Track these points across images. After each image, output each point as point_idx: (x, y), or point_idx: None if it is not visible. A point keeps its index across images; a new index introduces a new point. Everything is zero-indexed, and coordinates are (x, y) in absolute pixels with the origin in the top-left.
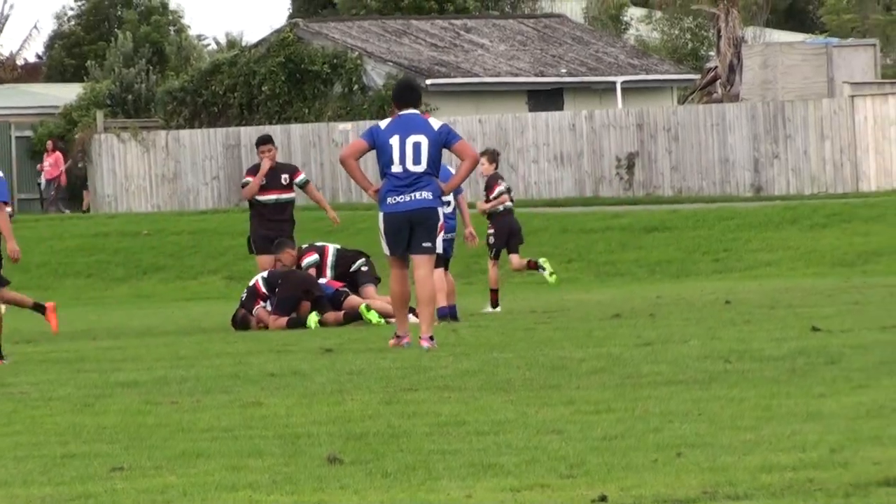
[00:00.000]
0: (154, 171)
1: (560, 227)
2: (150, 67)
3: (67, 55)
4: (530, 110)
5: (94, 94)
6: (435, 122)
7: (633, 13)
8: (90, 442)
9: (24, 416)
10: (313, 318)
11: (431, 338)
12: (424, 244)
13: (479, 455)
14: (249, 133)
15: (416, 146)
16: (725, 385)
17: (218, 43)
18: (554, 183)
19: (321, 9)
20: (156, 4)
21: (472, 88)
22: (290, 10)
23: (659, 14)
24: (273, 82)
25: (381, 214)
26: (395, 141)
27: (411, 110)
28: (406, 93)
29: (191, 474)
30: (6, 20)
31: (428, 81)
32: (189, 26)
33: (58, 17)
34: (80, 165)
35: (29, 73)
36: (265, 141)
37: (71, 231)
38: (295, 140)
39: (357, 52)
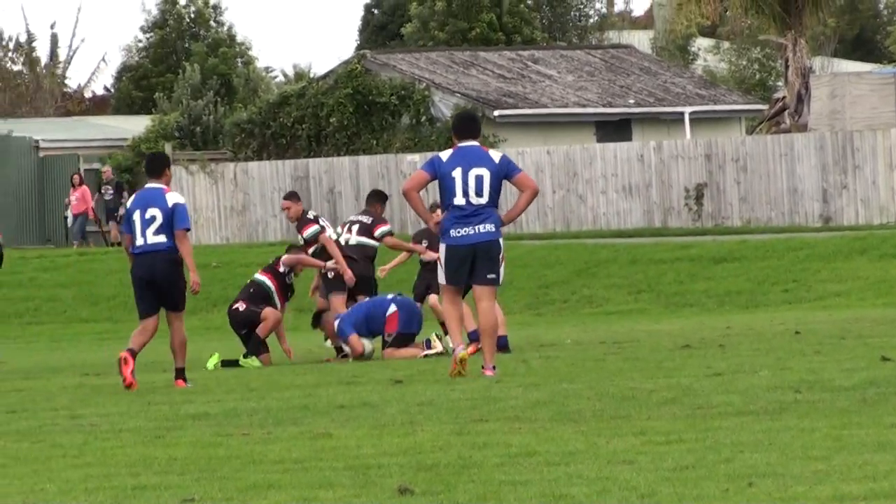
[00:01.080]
0: (223, 203)
1: (629, 258)
2: (218, 99)
3: (136, 87)
4: (598, 141)
5: (162, 127)
6: (495, 154)
7: (701, 44)
8: (161, 474)
9: (94, 447)
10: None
11: (494, 367)
12: (489, 276)
13: (549, 486)
14: (318, 165)
15: (479, 179)
16: (796, 415)
17: (286, 75)
18: (622, 214)
19: (389, 40)
20: (223, 37)
21: (539, 119)
22: (358, 42)
23: (727, 44)
24: (341, 114)
25: (443, 246)
26: (457, 174)
27: (471, 142)
28: (467, 124)
29: None
30: (75, 53)
31: (496, 113)
32: (257, 58)
33: (126, 50)
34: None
35: (97, 106)
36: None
37: None
38: (363, 171)
39: (425, 84)
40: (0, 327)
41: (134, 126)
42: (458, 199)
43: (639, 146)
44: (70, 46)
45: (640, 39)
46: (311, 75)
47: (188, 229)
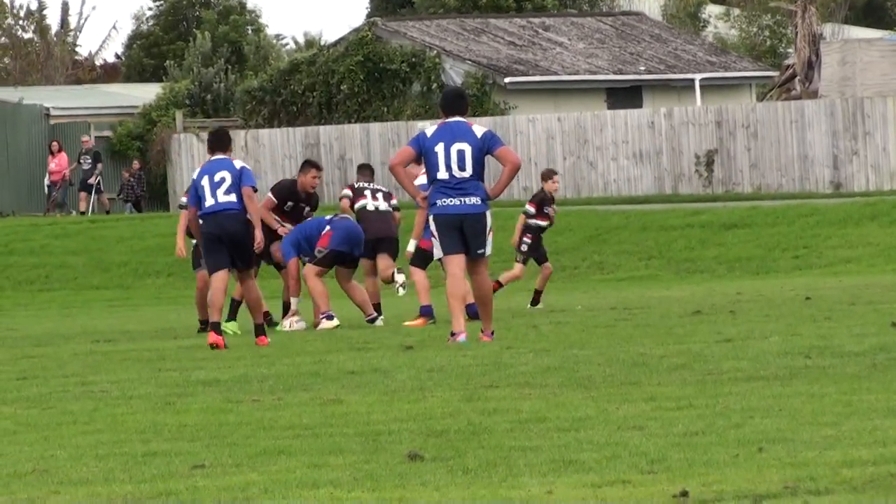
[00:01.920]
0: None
1: (640, 225)
2: (229, 67)
3: (146, 55)
4: (609, 108)
5: (172, 94)
6: (478, 129)
7: (712, 10)
8: (171, 440)
9: (105, 414)
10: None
11: (492, 333)
12: (478, 251)
13: (559, 451)
14: (329, 132)
15: (461, 153)
16: (806, 381)
17: (296, 42)
18: (633, 180)
19: (399, 7)
20: (234, 4)
21: (550, 86)
22: (369, 9)
23: (737, 11)
24: (352, 81)
25: (430, 217)
26: (440, 148)
27: (457, 118)
28: (454, 101)
29: (272, 472)
30: (85, 21)
31: (506, 80)
32: (267, 26)
33: (136, 18)
34: (85, 168)
35: (108, 74)
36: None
37: (151, 231)
38: (374, 139)
39: (435, 51)
40: (12, 294)
41: (144, 94)
42: (442, 173)
43: (649, 113)
44: (81, 14)
45: (651, 6)
46: (322, 43)
47: (255, 188)
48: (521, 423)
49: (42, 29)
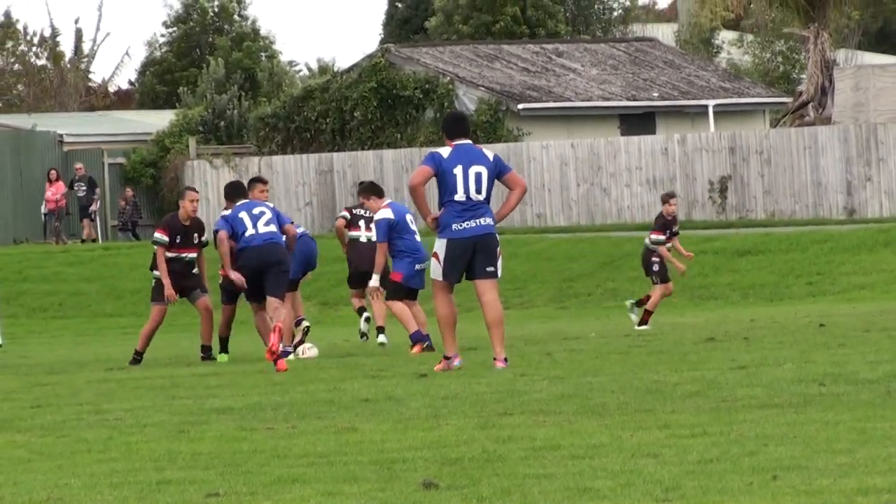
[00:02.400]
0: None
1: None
2: (242, 94)
3: (159, 82)
4: (622, 134)
5: (186, 121)
6: (489, 153)
7: (725, 37)
8: (186, 468)
9: (119, 442)
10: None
11: (505, 359)
12: (488, 269)
13: (574, 479)
14: (342, 159)
15: (478, 176)
16: (820, 408)
17: (310, 69)
18: (647, 207)
19: (413, 34)
20: (247, 31)
21: (564, 113)
22: (382, 36)
23: (750, 37)
24: (365, 108)
25: (443, 241)
26: (458, 171)
27: (466, 140)
28: (458, 125)
29: (286, 500)
30: (98, 47)
31: (520, 106)
32: (280, 52)
33: (150, 44)
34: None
35: (121, 100)
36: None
37: None
38: (388, 165)
39: (449, 77)
40: (25, 322)
41: (158, 120)
42: (460, 195)
43: (663, 139)
44: (94, 41)
45: (665, 32)
46: (335, 69)
47: (292, 222)
48: (536, 451)
49: (55, 56)
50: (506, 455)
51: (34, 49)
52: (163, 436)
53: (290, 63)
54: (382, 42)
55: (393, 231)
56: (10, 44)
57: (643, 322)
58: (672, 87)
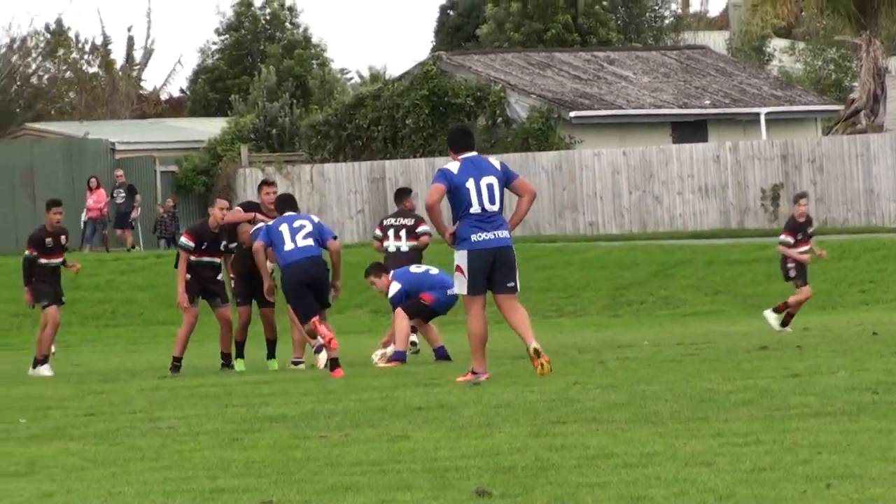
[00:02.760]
0: (299, 205)
1: (706, 260)
2: (294, 101)
3: (211, 89)
4: (674, 142)
5: (238, 128)
6: (495, 162)
7: (776, 44)
8: (239, 476)
9: (172, 450)
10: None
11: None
12: (509, 284)
13: (627, 488)
14: (394, 166)
15: (490, 187)
16: (874, 416)
17: (361, 76)
18: (699, 215)
19: (464, 42)
20: (299, 38)
21: (615, 120)
22: (434, 43)
23: (802, 45)
24: (417, 115)
25: (463, 252)
26: (470, 184)
27: (473, 153)
28: (464, 139)
29: None
30: (150, 55)
31: (571, 114)
32: (332, 60)
33: (202, 52)
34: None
35: (173, 108)
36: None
37: None
38: None
39: (500, 85)
40: (79, 330)
41: (209, 128)
42: (475, 207)
43: (715, 147)
44: (145, 48)
45: (716, 40)
46: (387, 77)
47: (335, 237)
48: (589, 459)
49: (107, 63)
50: (559, 463)
51: (86, 57)
52: (216, 444)
53: (342, 71)
54: (434, 50)
55: (413, 289)
56: (61, 51)
57: (785, 323)
58: (724, 95)
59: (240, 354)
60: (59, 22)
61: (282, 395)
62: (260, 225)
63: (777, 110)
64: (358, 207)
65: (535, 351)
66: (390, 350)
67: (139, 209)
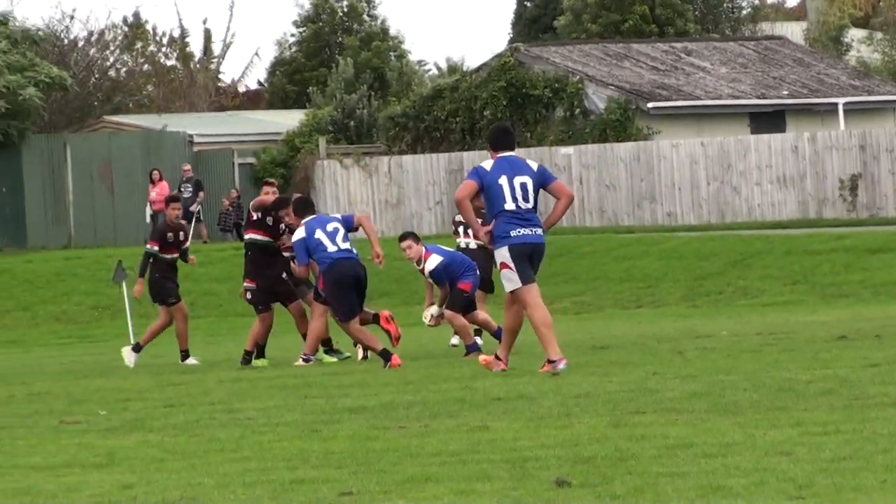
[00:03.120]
0: (377, 197)
1: (784, 250)
2: (372, 93)
3: (289, 82)
4: (752, 132)
5: (316, 121)
6: (532, 164)
7: (854, 34)
8: (319, 467)
9: (252, 441)
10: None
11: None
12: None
13: (707, 477)
14: (472, 158)
15: (524, 186)
16: None
17: (439, 68)
18: (777, 205)
19: (542, 33)
20: (376, 30)
21: (693, 111)
22: (511, 35)
23: (880, 35)
24: (495, 107)
25: (504, 248)
26: (504, 181)
27: (510, 153)
28: (504, 137)
29: (419, 499)
30: (228, 48)
31: (649, 105)
32: (409, 52)
33: (279, 44)
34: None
35: (251, 100)
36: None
37: None
38: None
39: (578, 76)
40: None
41: (287, 120)
42: (509, 205)
43: (793, 137)
44: (223, 41)
45: (793, 30)
46: (465, 69)
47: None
48: (669, 449)
49: (185, 56)
50: (638, 453)
51: (163, 50)
52: (295, 435)
53: (419, 62)
54: (511, 41)
55: (449, 268)
56: (139, 44)
57: None
58: (801, 86)
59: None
60: (136, 15)
61: (360, 385)
62: (296, 240)
63: (855, 100)
64: (436, 199)
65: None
66: (457, 340)
67: (199, 204)
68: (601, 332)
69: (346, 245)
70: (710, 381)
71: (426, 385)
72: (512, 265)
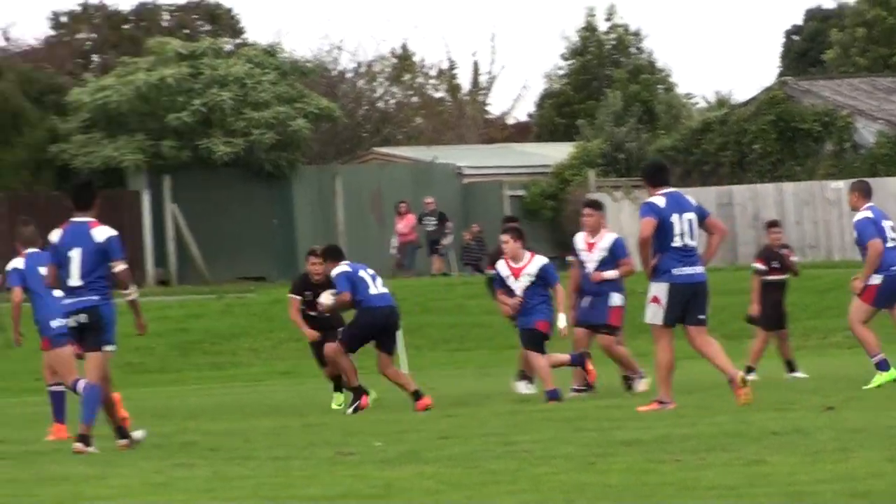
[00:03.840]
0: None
1: None
2: (641, 126)
3: (557, 114)
4: None
5: (585, 153)
6: (692, 199)
7: None
8: (595, 500)
9: (528, 474)
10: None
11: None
12: (699, 316)
13: None
14: (741, 191)
15: (690, 223)
16: None
17: (707, 101)
18: None
19: (810, 67)
20: (644, 63)
21: None
22: (780, 69)
23: None
24: (764, 140)
25: (664, 284)
26: (675, 218)
27: (671, 189)
28: (662, 173)
29: None
30: (495, 80)
31: None
32: (677, 84)
33: (548, 77)
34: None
35: (519, 133)
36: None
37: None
38: (788, 199)
39: (847, 110)
40: (429, 354)
41: (556, 153)
42: (677, 242)
43: None
44: (490, 73)
45: None
46: (732, 102)
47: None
48: None
49: (453, 88)
50: None
51: (431, 81)
52: (571, 468)
53: (687, 95)
54: (780, 75)
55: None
56: (407, 76)
57: None
58: None
59: (337, 388)
60: (404, 47)
61: (634, 418)
62: (339, 273)
63: None
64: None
65: (743, 381)
66: (537, 387)
67: (451, 236)
68: (817, 372)
69: (385, 290)
70: None
71: (701, 418)
72: (663, 302)
